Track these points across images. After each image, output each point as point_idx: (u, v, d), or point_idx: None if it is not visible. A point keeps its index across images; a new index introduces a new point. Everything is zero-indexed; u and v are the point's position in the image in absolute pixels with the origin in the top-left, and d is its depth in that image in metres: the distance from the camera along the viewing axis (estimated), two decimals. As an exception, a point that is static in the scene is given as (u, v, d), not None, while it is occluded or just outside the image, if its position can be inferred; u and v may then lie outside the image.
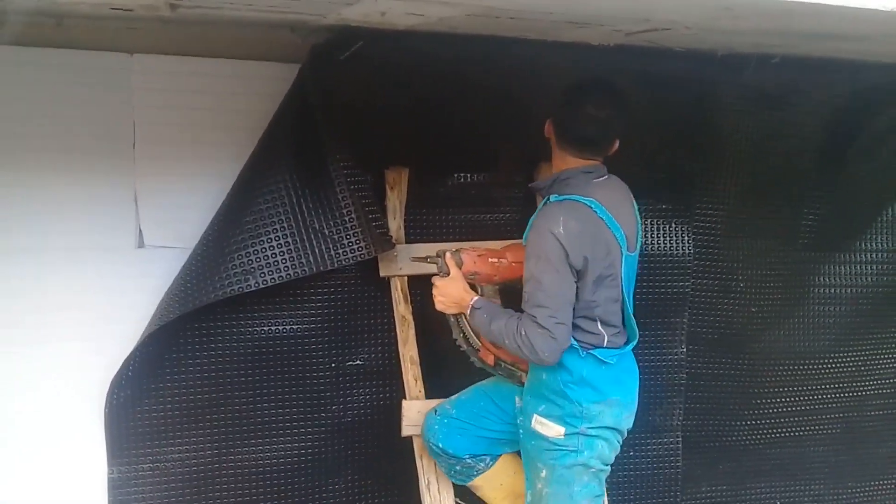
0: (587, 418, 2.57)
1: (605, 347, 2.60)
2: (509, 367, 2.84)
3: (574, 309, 2.51)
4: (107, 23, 2.54)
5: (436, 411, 2.98)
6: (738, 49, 2.91)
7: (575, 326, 2.54)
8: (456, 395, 3.01)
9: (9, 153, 2.81)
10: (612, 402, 2.60)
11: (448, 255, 2.80)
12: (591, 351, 2.58)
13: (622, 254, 2.57)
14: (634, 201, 2.74)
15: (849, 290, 3.70)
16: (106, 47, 2.83)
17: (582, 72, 2.79)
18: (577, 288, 2.50)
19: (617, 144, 2.64)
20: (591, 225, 2.50)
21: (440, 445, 2.92)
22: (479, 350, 2.86)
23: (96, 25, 2.56)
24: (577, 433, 2.57)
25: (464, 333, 2.85)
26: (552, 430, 2.59)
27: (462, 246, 2.90)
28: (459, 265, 2.78)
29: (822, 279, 3.68)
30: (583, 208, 2.50)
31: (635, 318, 2.72)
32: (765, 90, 3.25)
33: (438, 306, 2.80)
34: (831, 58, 3.04)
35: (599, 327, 2.59)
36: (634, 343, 2.72)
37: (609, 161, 2.68)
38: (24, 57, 2.76)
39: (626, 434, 2.73)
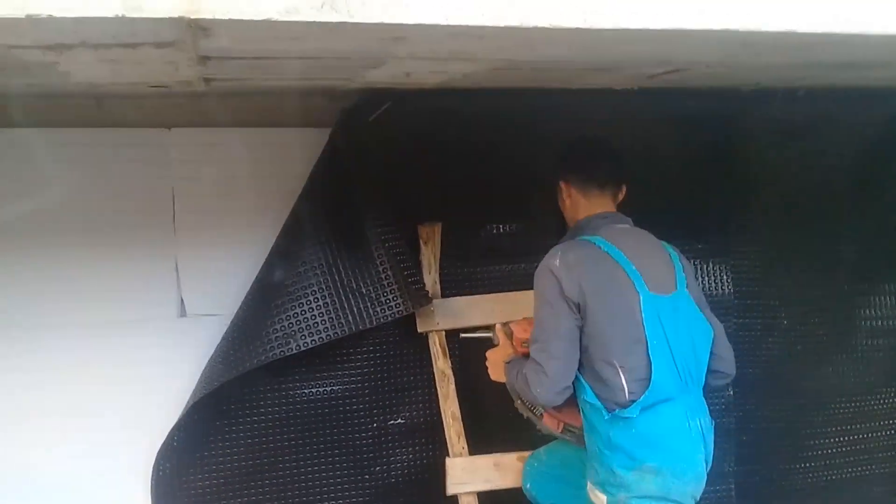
0: (624, 486, 2.36)
1: (628, 404, 2.35)
2: (575, 430, 2.64)
3: (590, 350, 2.36)
4: (145, 100, 2.64)
5: (532, 455, 2.94)
6: (763, 84, 2.92)
7: (595, 375, 2.37)
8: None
9: (53, 232, 2.91)
10: (649, 468, 2.33)
11: (498, 326, 2.81)
12: (614, 412, 2.35)
13: (639, 293, 2.39)
14: (671, 247, 2.61)
15: (895, 323, 3.61)
16: (145, 123, 2.94)
17: (608, 116, 2.83)
18: (587, 323, 2.35)
19: (624, 190, 2.63)
20: (593, 258, 2.41)
21: (528, 488, 2.87)
22: (541, 417, 2.71)
23: (135, 104, 2.67)
24: (618, 502, 2.39)
25: (521, 400, 2.70)
26: (598, 497, 2.43)
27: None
28: (509, 335, 2.75)
29: (867, 311, 3.59)
30: (586, 244, 2.45)
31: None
32: (793, 123, 3.24)
33: (493, 376, 2.76)
34: (858, 86, 3.02)
35: (620, 375, 2.33)
36: (674, 397, 2.38)
37: (639, 205, 2.66)
38: (67, 138, 2.88)
39: (692, 501, 2.44)
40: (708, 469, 2.47)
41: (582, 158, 2.63)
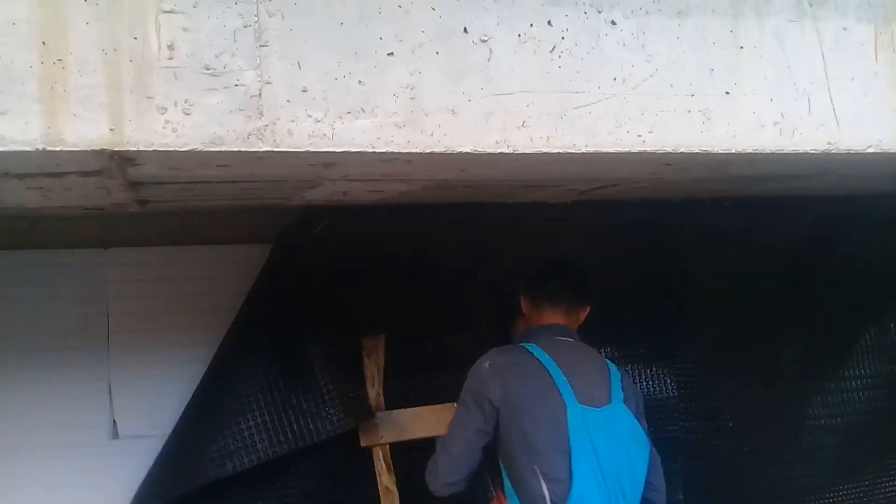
0: None
1: None
2: None
3: (514, 456, 2.33)
4: (81, 221, 2.63)
5: None
6: (693, 194, 3.03)
7: (520, 481, 2.33)
8: None
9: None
10: None
11: None
12: None
13: (566, 403, 2.35)
14: (614, 366, 2.58)
15: (840, 420, 3.65)
16: (81, 244, 2.92)
17: (546, 227, 2.90)
18: (512, 429, 2.33)
19: (586, 310, 2.67)
20: (524, 364, 2.42)
21: None
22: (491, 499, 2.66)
23: (70, 225, 2.65)
24: None
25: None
26: None
27: None
28: None
29: (811, 411, 3.63)
30: (521, 350, 2.48)
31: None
32: (724, 231, 3.35)
33: None
34: (782, 196, 3.16)
35: (542, 483, 2.29)
36: None
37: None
38: (0, 260, 2.83)
39: None
40: None
41: (538, 275, 2.69)
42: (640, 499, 2.43)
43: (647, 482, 2.46)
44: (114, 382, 2.97)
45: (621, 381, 2.53)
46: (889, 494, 3.70)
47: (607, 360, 2.60)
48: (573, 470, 2.29)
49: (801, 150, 1.91)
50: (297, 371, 2.85)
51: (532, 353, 2.45)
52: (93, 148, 1.39)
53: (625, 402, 2.47)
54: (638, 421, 2.48)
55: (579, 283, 2.67)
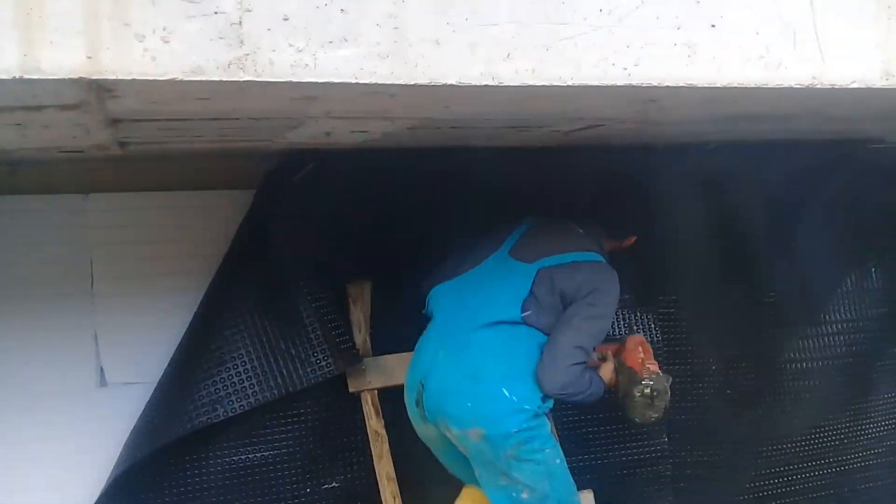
0: None
1: None
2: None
3: None
4: (60, 166, 2.59)
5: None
6: (677, 139, 3.03)
7: None
8: None
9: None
10: None
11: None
12: None
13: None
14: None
15: (819, 364, 3.71)
16: (61, 190, 2.88)
17: (531, 172, 2.90)
18: None
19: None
20: None
21: None
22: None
23: (50, 170, 2.62)
24: None
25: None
26: None
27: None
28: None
29: (792, 354, 3.69)
30: None
31: None
32: (707, 175, 3.35)
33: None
34: (766, 139, 3.16)
35: None
36: None
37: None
38: (-21, 206, 2.80)
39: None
40: None
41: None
42: None
43: None
44: (99, 330, 2.96)
45: None
46: (864, 438, 3.79)
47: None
48: None
49: (785, 85, 1.89)
50: (284, 317, 2.86)
51: None
52: (70, 76, 1.36)
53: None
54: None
55: None
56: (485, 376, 2.53)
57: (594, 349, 2.75)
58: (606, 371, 2.77)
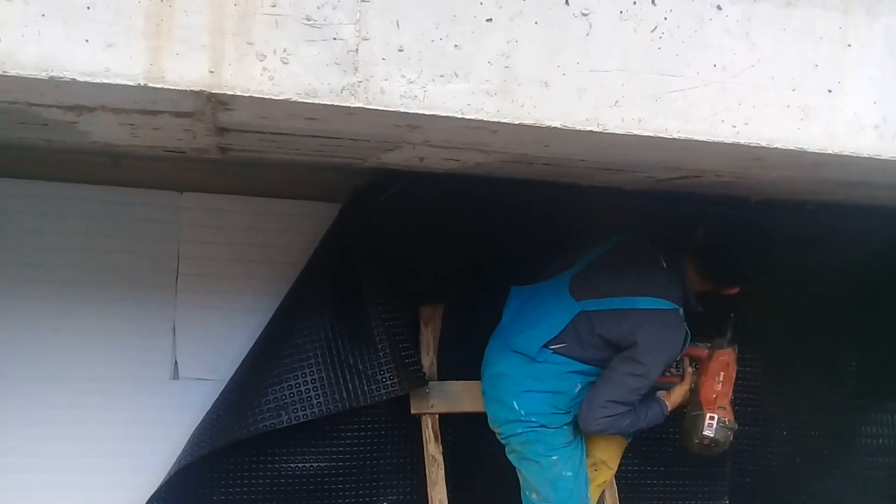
0: None
1: None
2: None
3: None
4: (160, 163, 2.68)
5: None
6: (772, 195, 2.94)
7: None
8: None
9: (55, 283, 2.92)
10: None
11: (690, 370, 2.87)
12: None
13: None
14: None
15: (896, 441, 3.55)
16: (158, 185, 2.98)
17: (615, 213, 2.86)
18: None
19: None
20: None
21: None
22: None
23: (150, 166, 2.71)
24: None
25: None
26: None
27: None
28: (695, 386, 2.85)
29: (869, 429, 3.54)
30: None
31: None
32: (799, 235, 3.25)
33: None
34: (865, 204, 3.05)
35: None
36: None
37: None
38: (79, 193, 2.92)
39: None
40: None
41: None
42: None
43: None
44: (178, 323, 3.04)
45: None
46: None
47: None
48: None
49: (901, 158, 1.83)
50: (355, 332, 2.88)
51: None
52: (192, 88, 1.40)
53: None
54: None
55: None
56: (500, 388, 2.76)
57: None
58: (679, 394, 2.81)
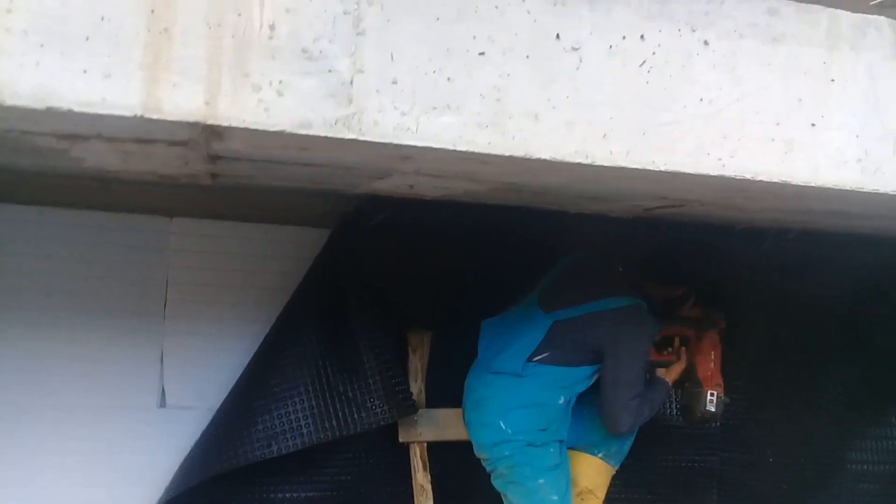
0: None
1: None
2: None
3: None
4: (150, 188, 2.68)
5: None
6: (756, 223, 2.98)
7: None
8: None
9: (41, 309, 2.91)
10: None
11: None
12: None
13: None
14: None
15: (882, 468, 3.56)
16: (148, 210, 2.98)
17: (602, 241, 2.89)
18: None
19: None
20: None
21: None
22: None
23: (140, 190, 2.70)
24: None
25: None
26: None
27: None
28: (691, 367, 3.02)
29: (855, 455, 3.56)
30: None
31: None
32: (783, 262, 3.29)
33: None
34: (848, 233, 3.09)
35: None
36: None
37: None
38: (69, 218, 2.91)
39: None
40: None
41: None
42: None
43: None
44: (166, 351, 3.02)
45: None
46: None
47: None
48: None
49: (881, 191, 1.87)
50: (345, 359, 2.88)
51: None
52: (188, 119, 1.41)
53: None
54: None
55: None
56: (485, 410, 2.81)
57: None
58: (675, 372, 2.98)
